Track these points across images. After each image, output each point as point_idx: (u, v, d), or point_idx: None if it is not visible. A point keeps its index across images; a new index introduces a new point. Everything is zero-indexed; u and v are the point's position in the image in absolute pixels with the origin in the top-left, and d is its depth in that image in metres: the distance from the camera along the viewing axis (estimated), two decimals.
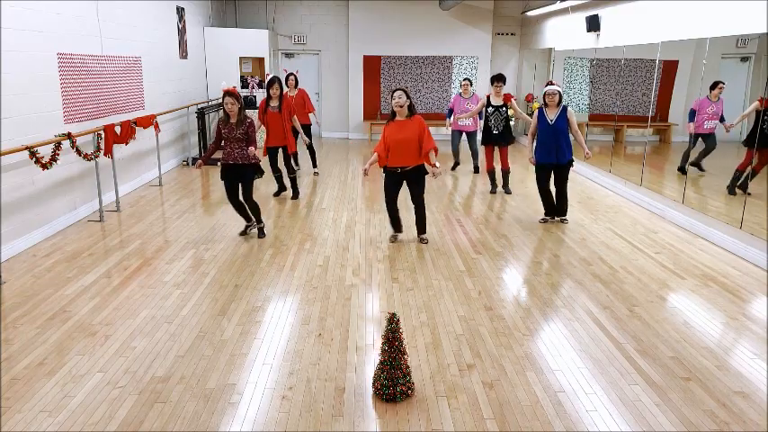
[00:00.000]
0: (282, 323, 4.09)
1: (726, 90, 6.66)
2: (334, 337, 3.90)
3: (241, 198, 5.88)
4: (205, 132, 10.33)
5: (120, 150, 7.39)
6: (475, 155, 9.55)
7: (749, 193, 6.03)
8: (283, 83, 8.84)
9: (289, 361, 3.58)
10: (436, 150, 5.47)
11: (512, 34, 13.49)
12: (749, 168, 6.19)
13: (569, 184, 6.69)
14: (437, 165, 5.44)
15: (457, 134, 9.44)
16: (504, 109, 7.82)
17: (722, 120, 6.95)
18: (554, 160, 6.36)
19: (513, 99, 8.11)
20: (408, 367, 3.22)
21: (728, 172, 6.42)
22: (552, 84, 6.46)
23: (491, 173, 8.12)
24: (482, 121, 8.15)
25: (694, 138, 7.16)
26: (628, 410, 3.12)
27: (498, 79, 7.88)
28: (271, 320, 4.13)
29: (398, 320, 3.17)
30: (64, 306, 4.30)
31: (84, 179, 6.64)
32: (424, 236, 5.91)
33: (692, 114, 7.20)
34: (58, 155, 5.48)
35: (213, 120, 11.64)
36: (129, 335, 3.88)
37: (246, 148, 5.67)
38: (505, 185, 8.12)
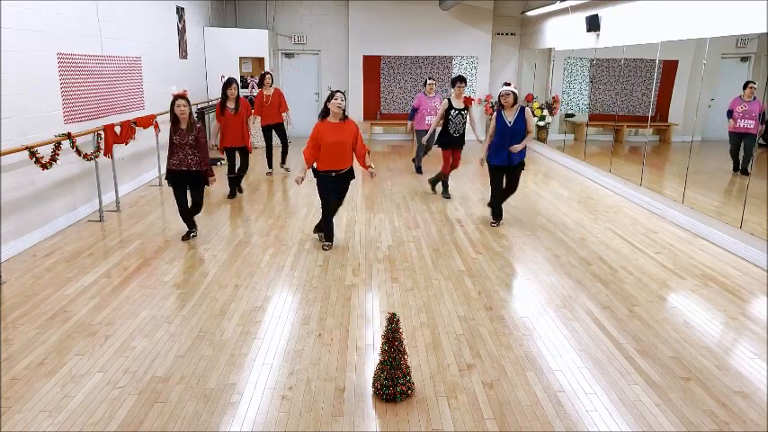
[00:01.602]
0: (282, 323, 4.09)
1: (726, 90, 6.66)
2: (334, 337, 3.90)
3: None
4: (205, 132, 10.31)
5: (119, 150, 7.38)
6: (428, 151, 9.41)
7: None
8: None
9: (289, 361, 3.58)
10: (369, 151, 5.50)
11: (512, 34, 13.49)
12: None
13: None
14: (372, 165, 5.54)
15: (423, 133, 9.13)
16: (465, 112, 7.59)
17: (763, 121, 6.79)
18: (506, 162, 6.30)
19: (473, 102, 7.92)
20: (408, 367, 3.22)
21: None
22: (508, 84, 6.37)
23: (446, 177, 7.90)
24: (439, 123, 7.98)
25: (735, 137, 7.02)
26: (628, 410, 3.12)
27: (461, 80, 7.64)
28: (271, 320, 4.13)
29: (398, 320, 3.17)
30: (64, 306, 4.30)
31: (83, 179, 6.64)
32: (329, 243, 5.71)
33: (730, 113, 7.08)
34: (57, 155, 5.48)
35: (213, 120, 11.64)
36: (129, 335, 3.88)
37: (197, 153, 5.66)
38: (433, 186, 8.04)
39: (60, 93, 6.14)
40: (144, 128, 7.78)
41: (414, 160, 9.88)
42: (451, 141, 7.64)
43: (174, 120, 5.64)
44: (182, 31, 10.12)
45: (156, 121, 8.18)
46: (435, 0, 12.58)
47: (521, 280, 5.00)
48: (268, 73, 9.03)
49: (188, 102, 5.63)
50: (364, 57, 13.10)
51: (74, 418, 2.98)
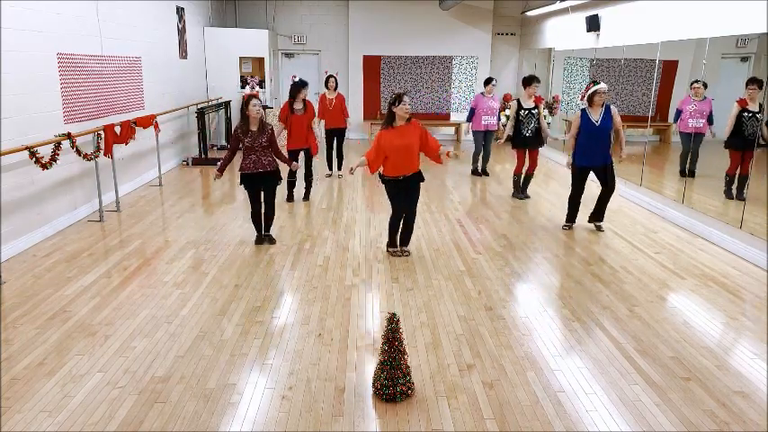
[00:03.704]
0: (282, 323, 4.09)
1: (726, 90, 6.65)
2: (334, 337, 3.90)
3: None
4: (205, 132, 10.32)
5: (119, 150, 7.38)
6: (488, 157, 9.35)
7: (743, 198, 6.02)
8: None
9: (289, 361, 3.58)
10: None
11: (512, 34, 13.50)
12: (738, 171, 6.26)
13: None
14: (450, 150, 5.25)
15: (481, 135, 9.14)
16: (536, 111, 7.62)
17: (710, 122, 6.97)
18: (600, 162, 6.14)
19: (542, 101, 7.92)
20: (408, 367, 3.22)
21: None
22: (598, 82, 6.18)
23: (518, 177, 7.86)
24: (507, 124, 7.88)
25: (686, 137, 7.24)
26: (628, 410, 3.12)
27: (536, 80, 7.67)
28: (270, 320, 4.13)
29: (398, 320, 3.17)
30: (64, 306, 4.30)
31: (84, 179, 6.64)
32: (406, 248, 5.56)
33: (677, 114, 7.30)
34: (57, 155, 5.48)
35: (213, 120, 11.65)
36: (129, 335, 3.88)
37: (270, 154, 5.61)
38: (524, 190, 7.89)
39: (60, 93, 6.14)
40: (144, 128, 7.78)
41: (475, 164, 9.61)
42: (525, 141, 7.66)
43: (245, 121, 5.51)
44: (182, 31, 10.12)
45: (156, 121, 8.18)
46: (435, 0, 12.58)
47: (521, 280, 4.99)
48: (332, 76, 8.89)
49: (260, 102, 5.54)
50: (364, 57, 13.11)
51: (74, 418, 2.98)
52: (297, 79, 7.50)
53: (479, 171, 9.41)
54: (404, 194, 5.34)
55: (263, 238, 5.88)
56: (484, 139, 9.17)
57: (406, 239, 5.57)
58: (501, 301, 4.53)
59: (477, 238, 6.11)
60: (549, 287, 4.82)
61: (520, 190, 7.91)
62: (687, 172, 7.24)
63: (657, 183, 7.72)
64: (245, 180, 5.65)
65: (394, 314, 3.18)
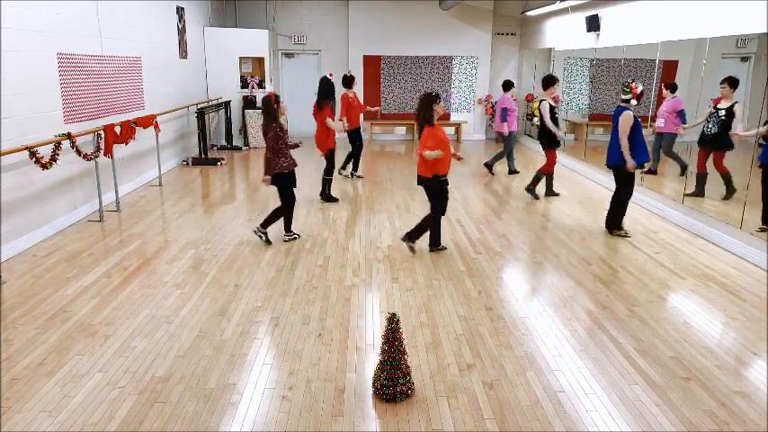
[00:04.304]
0: (282, 323, 4.09)
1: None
2: (334, 337, 3.90)
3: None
4: (205, 132, 10.32)
5: (119, 150, 7.38)
6: (512, 153, 9.53)
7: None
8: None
9: (289, 361, 3.58)
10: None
11: (512, 34, 13.49)
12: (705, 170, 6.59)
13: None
14: (458, 153, 5.55)
15: (515, 134, 9.32)
16: (557, 110, 7.86)
17: (683, 120, 7.18)
18: (648, 158, 6.18)
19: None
20: (408, 367, 3.22)
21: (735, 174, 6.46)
22: (633, 81, 6.15)
23: (551, 176, 7.98)
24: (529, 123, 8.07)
25: (656, 137, 7.67)
26: (628, 410, 3.12)
27: (557, 80, 7.84)
28: (271, 320, 4.13)
29: (398, 320, 3.17)
30: (64, 306, 4.31)
31: (84, 179, 6.64)
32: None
33: None
34: (57, 155, 5.48)
35: (213, 120, 11.65)
36: (129, 335, 3.88)
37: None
38: (552, 190, 8.06)
39: (60, 93, 6.14)
40: (144, 128, 7.78)
41: (506, 164, 9.68)
42: (556, 141, 7.81)
43: (276, 119, 5.50)
44: (182, 31, 10.12)
45: (156, 121, 8.18)
46: (435, 0, 12.58)
47: (521, 280, 5.00)
48: (353, 76, 8.80)
49: None
50: (364, 57, 13.11)
51: (74, 418, 2.98)
52: (332, 77, 7.81)
53: (511, 170, 9.56)
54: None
55: (289, 236, 5.93)
56: (509, 139, 9.29)
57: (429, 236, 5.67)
58: (501, 301, 4.53)
59: (478, 238, 6.11)
60: (549, 287, 4.82)
61: (551, 186, 8.04)
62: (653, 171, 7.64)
63: (657, 183, 7.72)
64: (289, 179, 5.69)
65: (394, 314, 3.18)
